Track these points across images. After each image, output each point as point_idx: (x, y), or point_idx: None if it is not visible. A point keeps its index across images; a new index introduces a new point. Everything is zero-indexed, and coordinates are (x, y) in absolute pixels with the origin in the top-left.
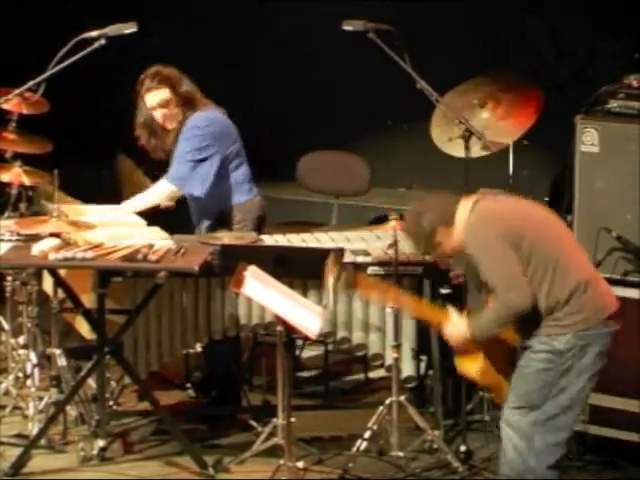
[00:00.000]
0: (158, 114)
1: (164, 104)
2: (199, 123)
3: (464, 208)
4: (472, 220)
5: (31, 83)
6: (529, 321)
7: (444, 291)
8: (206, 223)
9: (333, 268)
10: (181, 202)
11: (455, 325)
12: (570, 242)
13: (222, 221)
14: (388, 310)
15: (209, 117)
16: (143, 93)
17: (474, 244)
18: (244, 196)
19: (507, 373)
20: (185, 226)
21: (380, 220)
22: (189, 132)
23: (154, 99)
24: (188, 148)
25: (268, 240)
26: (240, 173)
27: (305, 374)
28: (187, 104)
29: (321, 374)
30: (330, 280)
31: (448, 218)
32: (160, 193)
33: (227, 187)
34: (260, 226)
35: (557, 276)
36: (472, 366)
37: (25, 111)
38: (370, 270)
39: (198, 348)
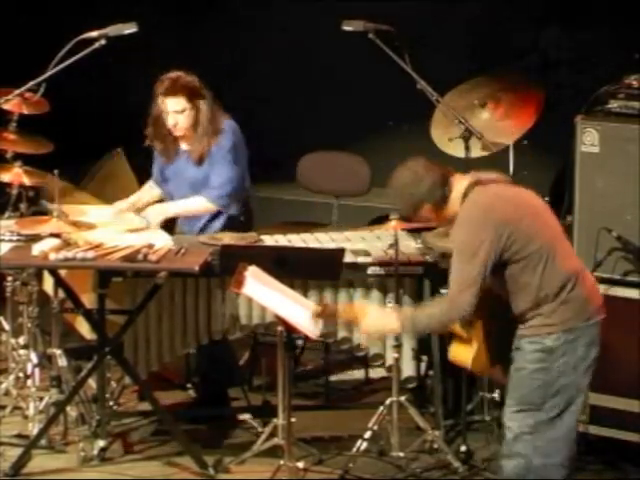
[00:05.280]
0: (171, 119)
1: (180, 111)
2: (229, 143)
3: (457, 192)
4: (464, 211)
5: (31, 83)
6: (517, 314)
7: (444, 291)
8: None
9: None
10: None
11: (379, 316)
12: (560, 231)
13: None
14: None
15: (233, 131)
16: (160, 94)
17: (459, 235)
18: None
19: (502, 361)
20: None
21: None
22: (228, 156)
23: (170, 104)
24: (230, 172)
25: (268, 240)
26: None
27: (305, 370)
28: (204, 120)
29: (321, 374)
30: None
31: (439, 199)
32: (196, 209)
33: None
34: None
35: (549, 268)
36: (467, 354)
37: (25, 111)
38: (370, 270)
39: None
